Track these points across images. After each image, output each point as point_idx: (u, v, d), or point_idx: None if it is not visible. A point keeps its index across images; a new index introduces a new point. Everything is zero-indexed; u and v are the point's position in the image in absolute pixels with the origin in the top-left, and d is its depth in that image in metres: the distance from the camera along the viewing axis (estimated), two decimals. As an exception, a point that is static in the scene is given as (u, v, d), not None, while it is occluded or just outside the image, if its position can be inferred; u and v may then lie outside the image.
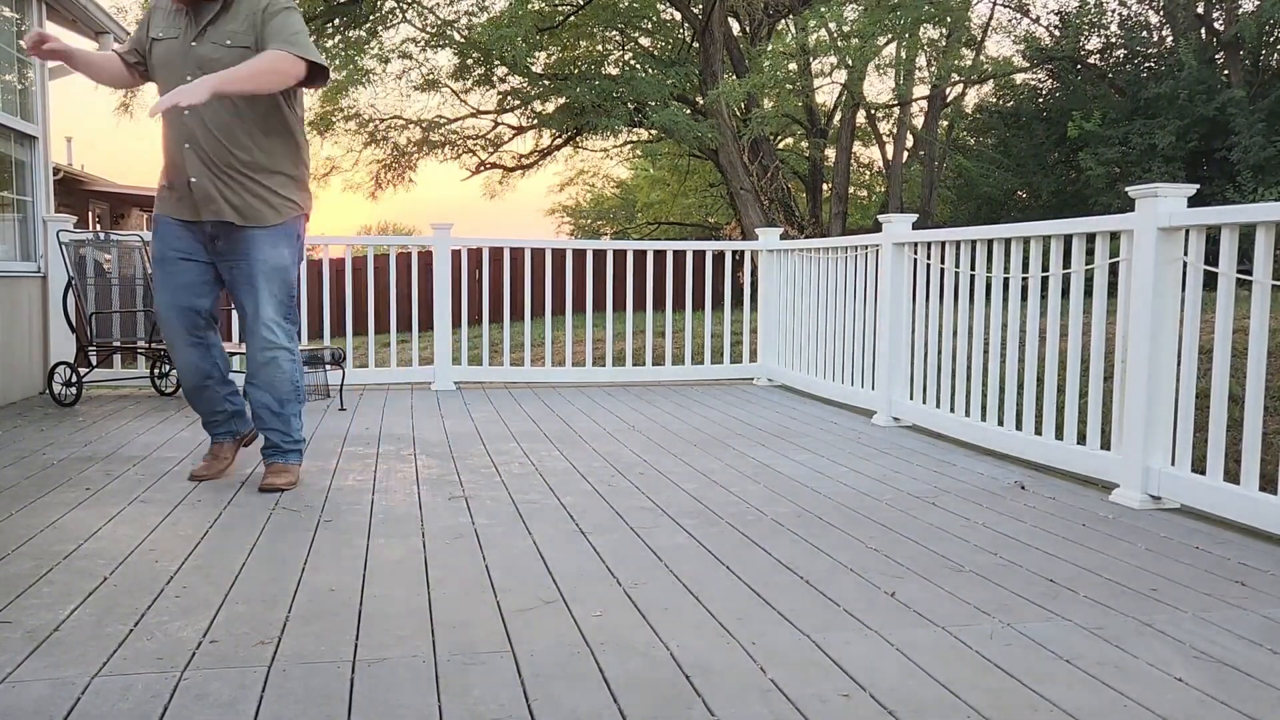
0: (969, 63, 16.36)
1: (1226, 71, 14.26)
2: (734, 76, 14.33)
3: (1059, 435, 3.88)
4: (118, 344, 5.82)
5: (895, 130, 17.82)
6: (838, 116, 16.34)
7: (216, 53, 3.25)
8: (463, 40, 15.03)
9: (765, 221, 13.66)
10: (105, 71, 3.45)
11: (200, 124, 3.32)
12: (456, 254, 6.59)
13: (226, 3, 3.27)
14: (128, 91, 15.36)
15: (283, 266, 3.46)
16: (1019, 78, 17.02)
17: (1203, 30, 14.79)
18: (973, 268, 4.45)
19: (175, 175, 3.39)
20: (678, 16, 15.91)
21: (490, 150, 17.76)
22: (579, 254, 7.74)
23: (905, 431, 4.93)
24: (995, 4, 16.61)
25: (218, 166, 3.34)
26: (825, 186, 17.22)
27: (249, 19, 3.28)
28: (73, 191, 17.41)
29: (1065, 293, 3.88)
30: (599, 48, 16.33)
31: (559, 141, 17.46)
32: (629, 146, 20.84)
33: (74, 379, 5.55)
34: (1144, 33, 15.81)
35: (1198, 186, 3.49)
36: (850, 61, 12.63)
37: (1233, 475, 3.09)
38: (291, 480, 3.54)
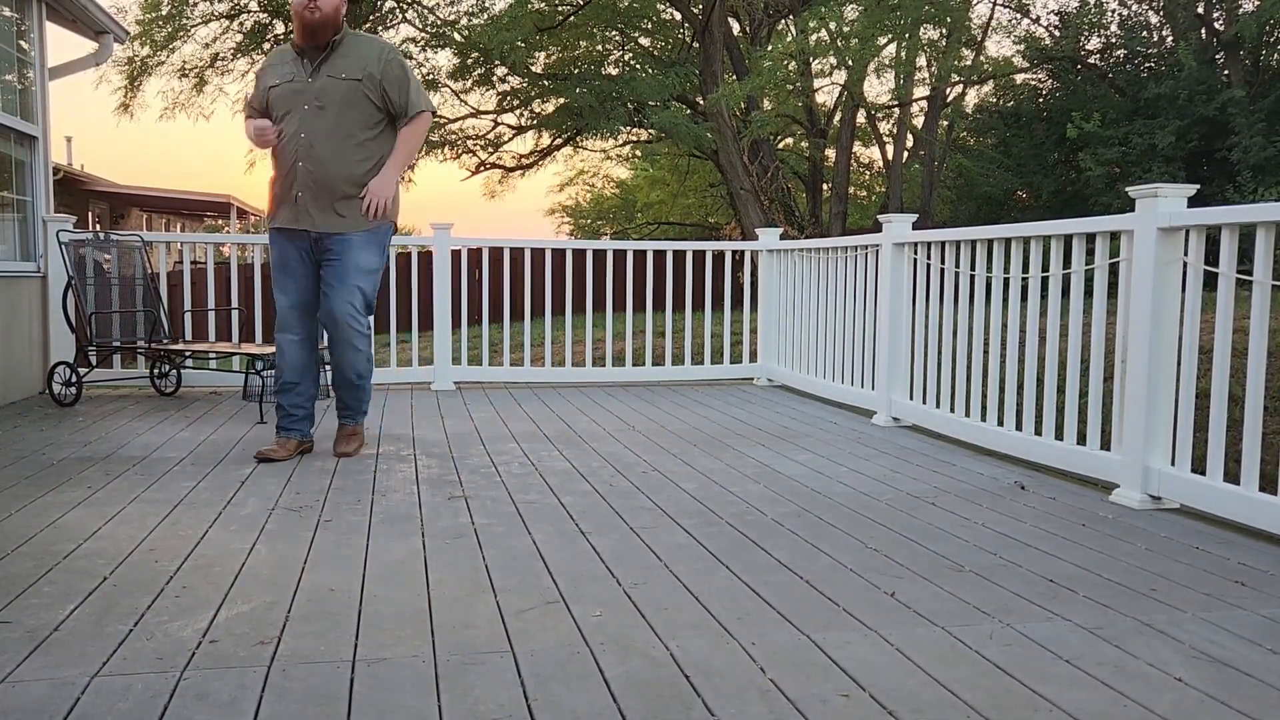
0: (969, 63, 16.35)
1: (1226, 71, 14.27)
2: (734, 77, 14.34)
3: (1059, 435, 3.88)
4: (117, 344, 5.82)
5: (895, 130, 17.81)
6: (838, 117, 16.35)
7: (330, 85, 3.93)
8: (463, 40, 15.03)
9: (765, 221, 13.67)
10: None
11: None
12: (456, 254, 6.59)
13: (334, 46, 3.96)
14: (128, 91, 15.35)
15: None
16: (1019, 78, 17.03)
17: (1203, 30, 14.79)
18: (973, 268, 4.45)
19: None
20: (678, 17, 15.92)
21: (490, 150, 17.76)
22: (579, 254, 7.74)
23: (905, 431, 4.93)
24: (995, 4, 16.61)
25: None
26: (825, 186, 17.23)
27: (359, 60, 3.95)
28: (73, 191, 17.42)
29: (1065, 293, 3.89)
30: (599, 48, 16.33)
31: (559, 142, 17.46)
32: (629, 147, 20.85)
33: (74, 379, 5.55)
34: (1144, 33, 15.82)
35: (1198, 186, 3.49)
36: (850, 62, 12.63)
37: (1233, 475, 3.09)
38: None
